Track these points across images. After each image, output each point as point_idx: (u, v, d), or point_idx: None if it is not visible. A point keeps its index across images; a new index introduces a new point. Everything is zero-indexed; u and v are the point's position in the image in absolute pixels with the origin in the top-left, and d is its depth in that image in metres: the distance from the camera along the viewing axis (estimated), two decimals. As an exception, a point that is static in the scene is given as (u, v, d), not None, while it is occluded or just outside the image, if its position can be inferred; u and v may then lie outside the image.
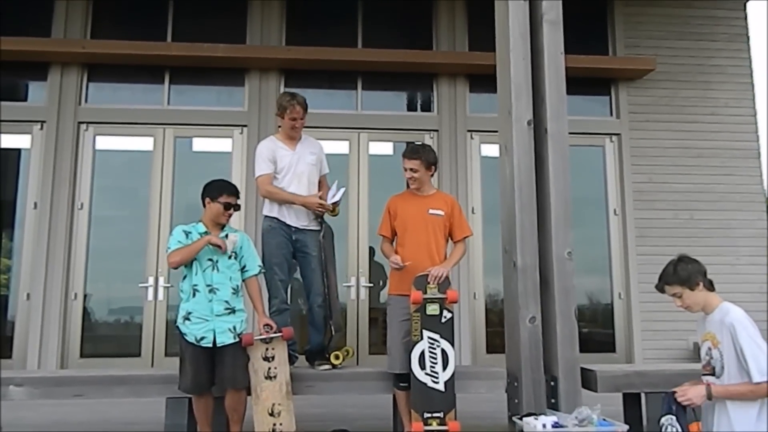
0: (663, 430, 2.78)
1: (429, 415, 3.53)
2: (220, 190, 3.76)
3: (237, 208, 3.81)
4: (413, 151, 3.95)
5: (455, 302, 3.73)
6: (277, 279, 4.12)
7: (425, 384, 3.56)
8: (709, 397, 2.66)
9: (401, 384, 3.72)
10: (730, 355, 2.65)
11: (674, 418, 2.73)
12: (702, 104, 7.19)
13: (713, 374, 2.75)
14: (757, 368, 2.55)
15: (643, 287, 6.78)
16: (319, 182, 4.39)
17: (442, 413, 3.54)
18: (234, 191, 3.81)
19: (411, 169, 3.88)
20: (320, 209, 4.18)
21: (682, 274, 2.73)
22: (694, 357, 6.55)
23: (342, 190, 4.29)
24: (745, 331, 2.58)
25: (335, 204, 4.23)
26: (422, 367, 3.58)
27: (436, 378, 3.58)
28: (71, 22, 6.62)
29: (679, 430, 2.70)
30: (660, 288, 2.85)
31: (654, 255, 6.82)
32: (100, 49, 6.48)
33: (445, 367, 3.59)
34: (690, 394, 2.69)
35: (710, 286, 2.76)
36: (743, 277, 6.83)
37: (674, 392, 2.74)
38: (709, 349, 2.77)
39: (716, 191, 7.02)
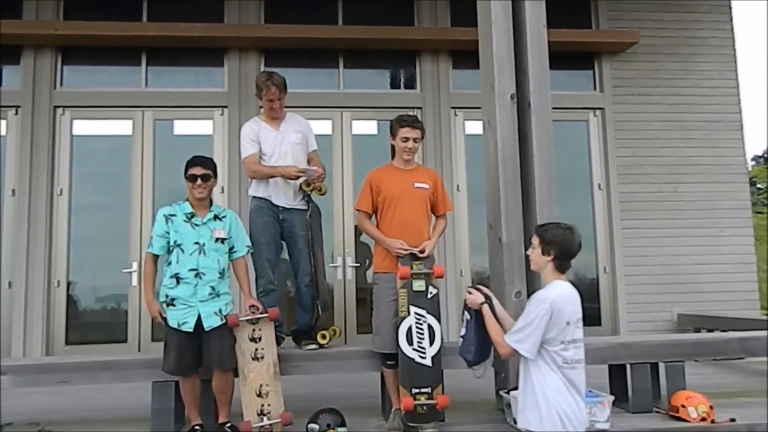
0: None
1: (417, 390, 3.54)
2: (186, 165, 3.69)
3: (205, 178, 3.65)
4: (416, 120, 3.87)
5: (441, 277, 3.73)
6: (264, 259, 4.09)
7: (413, 359, 3.56)
8: (478, 309, 2.88)
9: (388, 362, 3.71)
10: None
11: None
12: (685, 77, 7.18)
13: None
14: (513, 331, 2.63)
15: (627, 261, 6.83)
16: (310, 159, 4.35)
17: (429, 388, 3.55)
18: (198, 162, 3.69)
19: (414, 139, 3.79)
20: (299, 175, 4.10)
21: (548, 236, 2.71)
22: (677, 328, 6.64)
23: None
24: (530, 307, 2.60)
25: (316, 178, 4.14)
26: (410, 342, 3.58)
27: (424, 353, 3.58)
28: (43, 4, 6.43)
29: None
30: (535, 229, 2.87)
31: (638, 228, 6.89)
32: (73, 30, 6.30)
33: (432, 343, 3.60)
34: (470, 299, 2.94)
35: (560, 268, 2.70)
36: (727, 248, 6.92)
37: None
38: None
39: (699, 164, 7.06)
